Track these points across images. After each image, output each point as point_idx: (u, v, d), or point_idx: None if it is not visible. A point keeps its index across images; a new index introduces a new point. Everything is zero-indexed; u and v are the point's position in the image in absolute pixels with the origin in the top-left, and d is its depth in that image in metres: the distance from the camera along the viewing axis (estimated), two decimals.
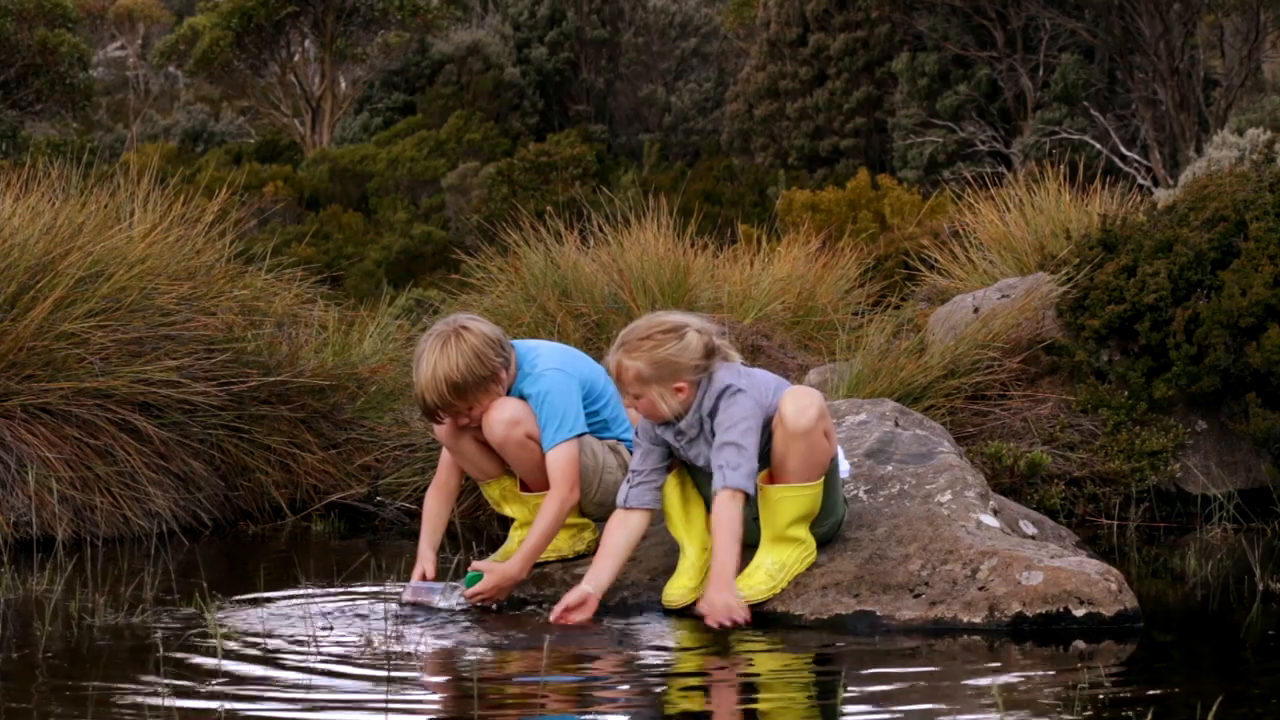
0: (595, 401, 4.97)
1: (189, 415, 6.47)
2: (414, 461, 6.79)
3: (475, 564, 4.93)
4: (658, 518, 4.79)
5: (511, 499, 5.08)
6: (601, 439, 4.99)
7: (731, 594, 4.41)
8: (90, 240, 6.62)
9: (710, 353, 4.55)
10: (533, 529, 4.80)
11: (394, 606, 4.78)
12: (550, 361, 4.91)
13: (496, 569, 4.80)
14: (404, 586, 4.92)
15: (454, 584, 4.86)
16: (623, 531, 4.61)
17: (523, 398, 4.87)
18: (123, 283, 6.52)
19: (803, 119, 29.06)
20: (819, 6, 28.94)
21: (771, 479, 4.58)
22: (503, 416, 4.80)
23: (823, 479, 4.56)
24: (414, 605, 4.81)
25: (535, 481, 4.92)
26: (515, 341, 4.97)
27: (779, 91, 29.35)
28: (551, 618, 4.53)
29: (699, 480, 4.69)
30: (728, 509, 4.44)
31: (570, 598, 4.54)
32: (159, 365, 6.38)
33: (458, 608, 4.78)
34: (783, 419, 4.48)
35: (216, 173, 23.78)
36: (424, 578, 4.91)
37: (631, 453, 4.98)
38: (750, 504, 4.61)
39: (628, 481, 4.65)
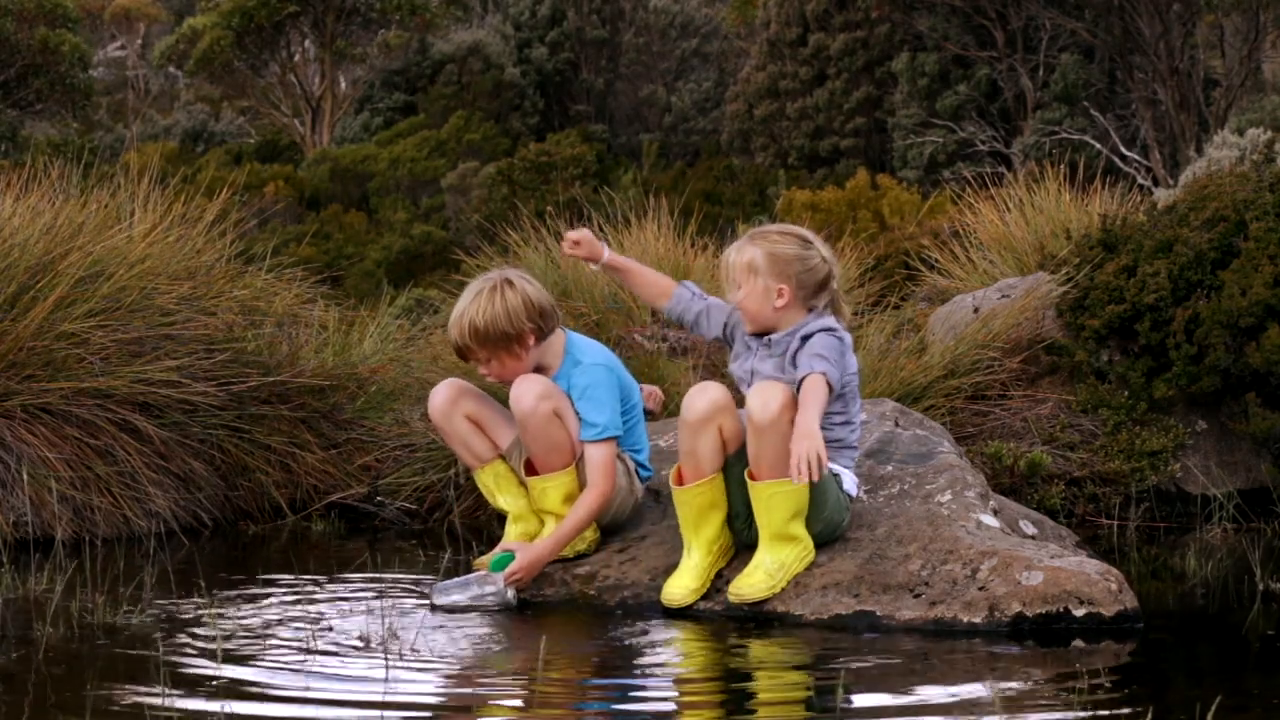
0: (625, 413, 4.98)
1: (189, 415, 6.47)
2: (414, 461, 6.78)
3: (503, 544, 4.95)
4: (669, 513, 4.80)
5: (505, 486, 5.06)
6: None
7: (818, 442, 4.35)
8: (90, 240, 6.62)
9: (825, 284, 4.68)
10: (568, 517, 4.82)
11: (392, 605, 4.78)
12: (600, 358, 4.96)
13: (527, 548, 4.82)
14: (431, 589, 4.91)
15: (481, 574, 4.84)
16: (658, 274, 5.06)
17: (561, 383, 4.90)
18: (123, 283, 6.52)
19: (803, 119, 29.05)
20: (819, 6, 28.92)
21: (754, 477, 4.57)
22: (534, 389, 4.81)
23: None
24: (447, 609, 4.79)
25: (546, 462, 4.90)
26: (570, 332, 5.00)
27: (779, 91, 29.34)
28: (565, 249, 4.98)
29: (732, 488, 4.68)
30: (817, 384, 4.45)
31: (575, 234, 4.98)
32: (159, 365, 6.38)
33: (503, 599, 4.76)
34: (749, 414, 4.50)
35: (217, 173, 23.76)
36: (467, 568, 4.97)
37: (639, 473, 5.00)
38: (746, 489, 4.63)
39: (692, 293, 4.96)
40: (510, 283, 4.87)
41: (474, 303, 4.83)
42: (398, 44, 33.35)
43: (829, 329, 4.62)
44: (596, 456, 4.82)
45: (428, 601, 4.82)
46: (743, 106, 29.97)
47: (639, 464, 5.04)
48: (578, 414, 4.86)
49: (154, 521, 6.25)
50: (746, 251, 4.65)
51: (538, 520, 5.03)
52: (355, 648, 4.24)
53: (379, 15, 32.40)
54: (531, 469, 4.97)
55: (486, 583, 4.78)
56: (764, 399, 4.49)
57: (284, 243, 15.34)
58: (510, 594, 4.78)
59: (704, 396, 4.59)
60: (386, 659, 4.07)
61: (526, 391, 4.81)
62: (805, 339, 4.60)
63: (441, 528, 6.49)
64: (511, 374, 4.86)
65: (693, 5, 35.62)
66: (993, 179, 9.90)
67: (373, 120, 33.70)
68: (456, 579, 4.84)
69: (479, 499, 6.40)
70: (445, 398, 4.99)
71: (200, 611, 4.59)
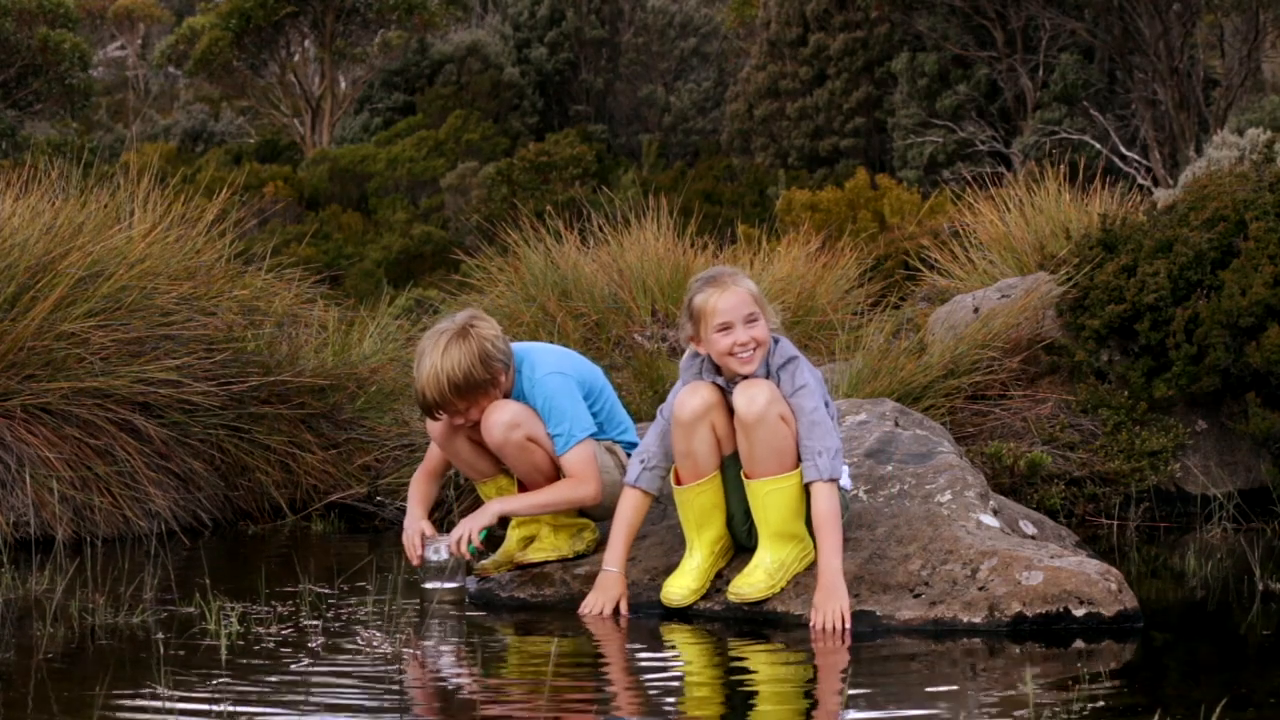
0: (594, 403, 4.96)
1: (189, 415, 6.48)
2: (414, 461, 6.78)
3: (503, 549, 5.04)
4: (669, 513, 4.80)
5: None
6: (598, 440, 4.96)
7: (843, 598, 4.43)
8: (90, 240, 6.62)
9: None
10: (537, 491, 4.82)
11: (392, 605, 4.78)
12: (549, 365, 4.90)
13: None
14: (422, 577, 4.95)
15: (433, 543, 4.87)
16: (634, 511, 4.72)
17: (521, 400, 4.86)
18: (123, 283, 6.52)
19: (803, 119, 29.05)
20: (819, 6, 28.92)
21: (749, 475, 4.58)
22: (502, 419, 4.79)
23: (800, 467, 4.56)
24: (435, 578, 4.86)
25: (533, 483, 4.91)
26: (514, 345, 4.96)
27: (779, 91, 29.34)
28: (584, 610, 4.65)
29: (730, 489, 4.68)
30: (828, 501, 4.49)
31: (600, 589, 4.68)
32: (159, 365, 6.38)
33: (445, 559, 4.82)
34: (738, 414, 4.52)
35: (216, 173, 23.77)
36: (423, 535, 4.92)
37: (629, 454, 4.98)
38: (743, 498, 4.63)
39: (642, 462, 4.71)
40: (470, 326, 4.78)
41: (444, 358, 4.71)
42: (397, 44, 33.35)
43: (792, 357, 4.62)
44: (575, 463, 4.81)
45: (429, 589, 4.86)
46: (743, 106, 29.96)
47: (627, 444, 5.02)
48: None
49: (154, 521, 6.26)
50: (751, 285, 4.62)
51: (537, 526, 5.03)
52: (355, 648, 4.23)
53: (378, 15, 32.40)
54: (524, 487, 4.97)
55: (439, 550, 4.83)
56: (749, 396, 4.53)
57: (284, 243, 15.35)
58: (444, 554, 4.82)
59: (696, 396, 4.61)
60: (387, 659, 4.07)
61: (495, 424, 4.79)
62: (780, 370, 4.60)
63: (442, 528, 6.48)
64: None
65: (692, 5, 35.62)
66: (992, 179, 9.91)
67: (372, 120, 33.69)
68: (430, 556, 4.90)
69: (479, 500, 6.40)
70: (445, 423, 4.94)
71: (201, 612, 4.59)
